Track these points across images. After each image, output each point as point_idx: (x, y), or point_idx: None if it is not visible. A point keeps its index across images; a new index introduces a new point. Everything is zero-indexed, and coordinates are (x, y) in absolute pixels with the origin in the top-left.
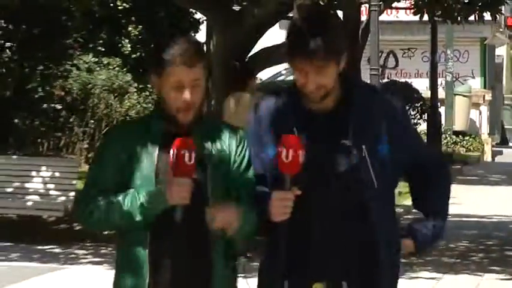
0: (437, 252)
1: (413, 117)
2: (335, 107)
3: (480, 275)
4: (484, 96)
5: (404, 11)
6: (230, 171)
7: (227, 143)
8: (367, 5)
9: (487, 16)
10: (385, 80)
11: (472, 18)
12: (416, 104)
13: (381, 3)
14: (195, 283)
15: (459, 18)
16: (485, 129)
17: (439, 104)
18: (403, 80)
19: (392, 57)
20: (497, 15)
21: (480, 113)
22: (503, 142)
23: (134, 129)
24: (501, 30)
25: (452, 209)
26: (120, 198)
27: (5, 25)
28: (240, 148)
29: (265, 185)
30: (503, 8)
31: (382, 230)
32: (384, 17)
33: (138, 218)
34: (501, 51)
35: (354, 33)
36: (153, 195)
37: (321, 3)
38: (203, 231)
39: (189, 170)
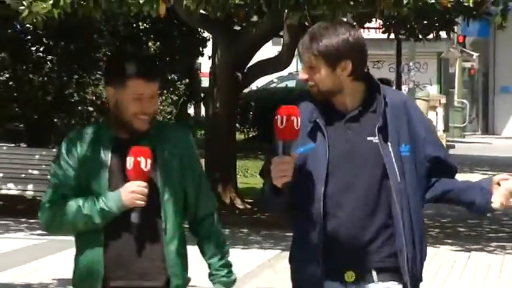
0: None
1: None
2: (361, 108)
3: (437, 247)
4: (439, 100)
5: (374, 30)
6: (181, 169)
7: (175, 147)
8: None
9: (443, 34)
10: None
11: (430, 36)
12: None
13: (355, 24)
14: (149, 276)
15: (420, 36)
16: (440, 127)
17: None
18: None
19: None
20: (451, 34)
21: (437, 114)
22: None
23: (86, 137)
24: (454, 46)
25: None
26: (80, 203)
27: (47, 42)
28: (187, 150)
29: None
30: (455, 28)
31: (404, 222)
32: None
33: (97, 220)
34: (454, 63)
35: None
36: (111, 199)
37: (306, 24)
38: (157, 229)
39: (145, 175)
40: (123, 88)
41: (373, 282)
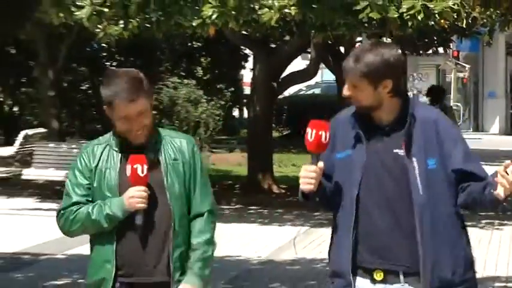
0: None
1: None
2: (394, 122)
3: None
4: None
5: None
6: (185, 175)
7: (180, 151)
8: (359, 44)
9: (441, 50)
10: None
11: (430, 51)
12: None
13: (367, 40)
14: (157, 272)
15: (421, 52)
16: None
17: None
18: None
19: None
20: (447, 50)
21: None
22: None
23: (98, 148)
24: (449, 59)
25: None
26: (89, 209)
27: (118, 58)
28: (190, 155)
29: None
30: (451, 44)
31: (422, 233)
32: None
33: (105, 225)
34: (450, 73)
35: None
36: (115, 205)
37: (329, 42)
38: (163, 229)
39: (143, 180)
40: (112, 109)
41: (400, 283)
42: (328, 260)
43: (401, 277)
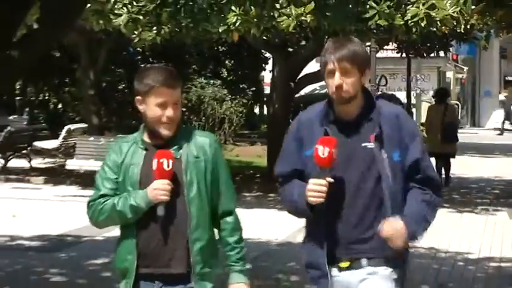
0: None
1: None
2: (359, 116)
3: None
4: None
5: (391, 51)
6: (205, 174)
7: (202, 150)
8: (368, 48)
9: (441, 54)
10: (379, 93)
11: (432, 55)
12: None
13: (377, 46)
14: (173, 264)
15: (424, 55)
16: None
17: (412, 107)
18: (390, 92)
19: (383, 79)
20: (447, 53)
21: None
22: None
23: (124, 145)
24: (449, 62)
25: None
26: (115, 201)
27: (151, 60)
28: (212, 154)
29: (302, 179)
30: (450, 48)
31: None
32: (378, 55)
33: (129, 215)
34: (449, 74)
35: None
36: (139, 197)
37: None
38: (182, 222)
39: (168, 174)
40: (149, 96)
41: (362, 267)
42: (304, 250)
43: (365, 261)
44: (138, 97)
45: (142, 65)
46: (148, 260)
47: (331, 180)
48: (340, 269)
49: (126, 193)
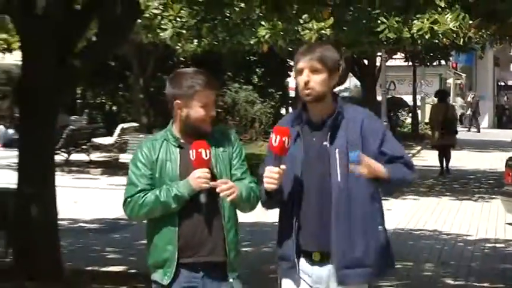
0: None
1: (404, 115)
2: (325, 119)
3: (440, 198)
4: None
5: (399, 60)
6: (231, 162)
7: (227, 143)
8: (379, 57)
9: (443, 62)
10: (389, 96)
11: (435, 63)
12: (406, 109)
13: (387, 56)
14: (213, 253)
15: (428, 64)
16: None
17: (418, 108)
18: (398, 96)
19: (392, 84)
20: (448, 62)
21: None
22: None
23: (156, 143)
24: (450, 69)
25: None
26: (157, 193)
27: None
28: (234, 147)
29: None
30: (451, 58)
31: (338, 215)
32: (388, 63)
33: (173, 205)
34: (450, 80)
35: (373, 71)
36: (182, 186)
37: (354, 56)
38: (218, 212)
39: (206, 162)
40: (194, 99)
41: (332, 264)
42: (276, 244)
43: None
44: (178, 101)
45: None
46: (192, 249)
47: (283, 167)
48: (313, 263)
49: (166, 185)
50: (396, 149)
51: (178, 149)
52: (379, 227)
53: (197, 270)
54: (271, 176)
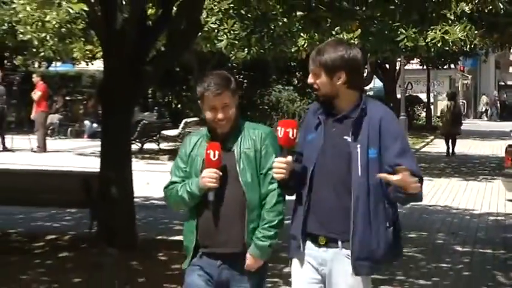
0: None
1: (419, 110)
2: (349, 112)
3: (449, 179)
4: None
5: (415, 64)
6: (256, 162)
7: (253, 143)
8: (399, 62)
9: (452, 66)
10: (406, 95)
11: (445, 67)
12: (421, 105)
13: (405, 61)
14: (229, 244)
15: (439, 67)
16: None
17: (431, 104)
18: (414, 94)
19: (410, 84)
20: (456, 66)
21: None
22: None
23: (194, 139)
24: (458, 72)
25: None
26: (178, 187)
27: (244, 72)
28: (262, 144)
29: (301, 159)
30: (459, 62)
31: (358, 209)
32: (406, 67)
33: (187, 200)
34: (458, 81)
35: (393, 74)
36: (194, 184)
37: (379, 61)
38: (238, 206)
39: (215, 163)
40: (202, 101)
41: (338, 248)
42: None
43: (340, 243)
44: (199, 102)
45: (237, 76)
46: (207, 240)
47: (289, 158)
48: (319, 246)
49: (187, 181)
50: (413, 166)
51: (206, 144)
52: (389, 225)
53: (216, 259)
54: (278, 166)
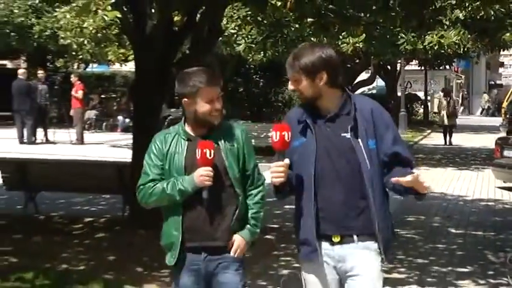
0: None
1: (418, 107)
2: (337, 110)
3: (445, 168)
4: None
5: (414, 65)
6: (239, 158)
7: (235, 140)
8: (399, 64)
9: (447, 67)
10: (406, 93)
11: (441, 68)
12: (419, 102)
13: (405, 62)
14: (215, 238)
15: (436, 68)
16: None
17: (428, 101)
18: (413, 92)
19: (409, 83)
20: (451, 66)
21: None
22: None
23: (169, 136)
24: (452, 72)
25: None
26: (164, 185)
27: (260, 73)
28: (243, 142)
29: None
30: (453, 63)
31: (374, 200)
32: (406, 68)
33: (177, 198)
34: (452, 81)
35: (394, 74)
36: (187, 182)
37: (381, 63)
38: (225, 201)
39: (210, 162)
40: (198, 96)
41: (354, 242)
42: (294, 230)
43: (355, 237)
44: (185, 99)
45: (254, 77)
46: (195, 235)
47: (287, 161)
48: (333, 244)
49: (173, 178)
50: (407, 153)
51: (186, 142)
52: (388, 208)
53: (199, 253)
54: (276, 170)
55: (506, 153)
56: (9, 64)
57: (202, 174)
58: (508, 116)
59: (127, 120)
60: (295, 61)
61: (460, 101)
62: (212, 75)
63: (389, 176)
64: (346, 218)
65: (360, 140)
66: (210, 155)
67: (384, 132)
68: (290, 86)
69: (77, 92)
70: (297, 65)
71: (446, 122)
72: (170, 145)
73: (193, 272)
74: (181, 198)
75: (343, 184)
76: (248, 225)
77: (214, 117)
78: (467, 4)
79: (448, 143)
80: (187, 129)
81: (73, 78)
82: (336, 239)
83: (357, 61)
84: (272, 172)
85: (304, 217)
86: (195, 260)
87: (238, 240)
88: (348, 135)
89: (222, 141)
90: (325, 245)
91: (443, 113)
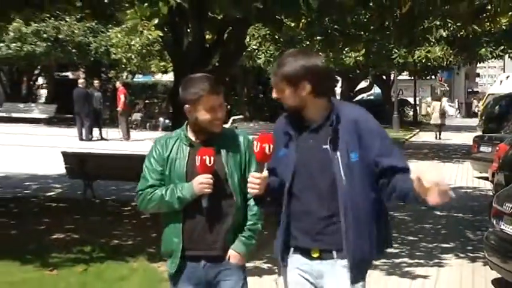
0: None
1: (408, 110)
2: (321, 121)
3: (443, 164)
4: (432, 103)
5: (405, 75)
6: (241, 166)
7: (237, 147)
8: (392, 74)
9: (433, 77)
10: (399, 98)
11: (428, 78)
12: (409, 106)
13: (397, 73)
14: (213, 247)
15: (423, 78)
16: (437, 114)
17: (417, 105)
18: (404, 98)
19: (401, 91)
20: (436, 77)
21: (433, 109)
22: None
23: (170, 141)
24: (437, 82)
25: None
26: (163, 192)
27: None
28: (245, 150)
29: (275, 176)
30: (438, 74)
31: (346, 217)
32: (399, 78)
33: (176, 206)
34: (437, 89)
35: (389, 83)
36: (186, 189)
37: (378, 73)
38: (224, 209)
39: (210, 169)
40: (200, 103)
41: (333, 258)
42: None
43: (334, 253)
44: (187, 106)
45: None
46: (194, 243)
47: (266, 173)
48: (312, 258)
49: (172, 185)
50: (395, 156)
51: (188, 148)
52: (383, 229)
53: (199, 261)
54: (253, 181)
55: (482, 148)
56: (70, 75)
57: (202, 182)
58: (483, 117)
59: (167, 121)
60: (278, 68)
61: (456, 105)
62: (214, 83)
63: (394, 187)
64: (325, 232)
65: (338, 152)
66: (210, 162)
67: (371, 142)
68: (274, 94)
69: (120, 96)
70: (279, 74)
71: (439, 121)
72: (171, 150)
73: (193, 280)
74: (180, 206)
75: (320, 197)
76: (243, 238)
77: (215, 126)
78: (449, 25)
79: (438, 138)
80: (190, 134)
81: (118, 84)
82: (315, 253)
83: (358, 72)
84: (249, 183)
85: (280, 229)
86: (195, 268)
87: (233, 256)
88: (327, 147)
89: (224, 148)
90: (303, 259)
91: (436, 114)
